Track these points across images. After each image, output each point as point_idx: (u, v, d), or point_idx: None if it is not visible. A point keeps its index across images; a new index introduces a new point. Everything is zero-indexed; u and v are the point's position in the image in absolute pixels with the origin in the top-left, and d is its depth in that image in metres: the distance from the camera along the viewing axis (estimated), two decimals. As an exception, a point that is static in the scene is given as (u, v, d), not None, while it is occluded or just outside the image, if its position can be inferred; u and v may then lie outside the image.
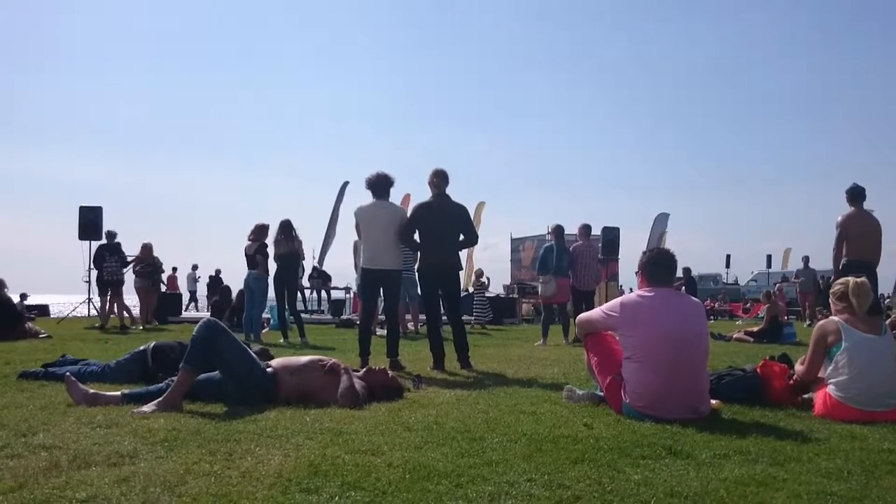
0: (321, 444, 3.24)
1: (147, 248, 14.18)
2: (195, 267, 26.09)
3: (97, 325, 13.18)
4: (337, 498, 2.43)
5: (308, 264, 16.52)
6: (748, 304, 26.92)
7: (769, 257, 38.69)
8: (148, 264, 14.21)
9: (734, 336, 11.94)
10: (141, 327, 13.25)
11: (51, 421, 3.73)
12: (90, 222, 14.04)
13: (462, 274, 7.70)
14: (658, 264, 4.36)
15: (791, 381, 4.67)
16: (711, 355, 4.73)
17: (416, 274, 7.67)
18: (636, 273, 4.75)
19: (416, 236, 7.04)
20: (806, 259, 19.28)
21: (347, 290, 21.16)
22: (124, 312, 13.45)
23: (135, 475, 2.65)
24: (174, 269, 27.42)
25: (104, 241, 13.60)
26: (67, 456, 2.94)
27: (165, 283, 14.79)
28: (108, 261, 13.25)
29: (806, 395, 4.61)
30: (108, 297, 13.27)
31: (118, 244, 13.58)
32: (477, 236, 7.59)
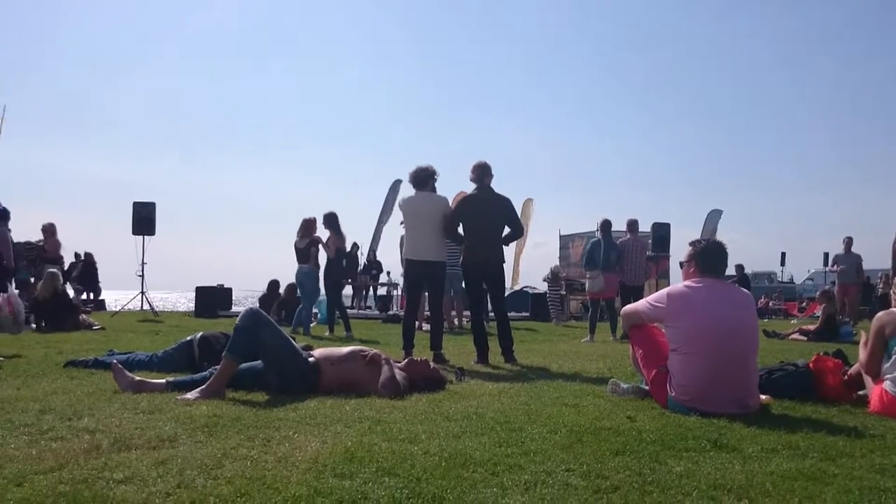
0: (359, 432, 3.23)
1: (46, 230, 12.38)
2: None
3: None
4: (371, 483, 2.40)
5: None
6: (804, 304, 26.18)
7: (826, 255, 37.39)
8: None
9: (790, 335, 11.58)
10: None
11: (96, 406, 3.80)
12: (144, 218, 14.36)
13: (507, 268, 7.64)
14: (712, 254, 4.21)
15: (846, 377, 4.50)
16: (764, 352, 4.59)
17: (461, 268, 7.65)
18: (680, 264, 4.60)
19: (461, 230, 7.01)
20: (848, 242, 15.04)
21: (395, 286, 21.21)
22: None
23: (173, 458, 2.67)
24: None
25: None
26: (109, 439, 2.97)
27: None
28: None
29: (861, 392, 4.43)
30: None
31: None
32: (522, 228, 7.52)
